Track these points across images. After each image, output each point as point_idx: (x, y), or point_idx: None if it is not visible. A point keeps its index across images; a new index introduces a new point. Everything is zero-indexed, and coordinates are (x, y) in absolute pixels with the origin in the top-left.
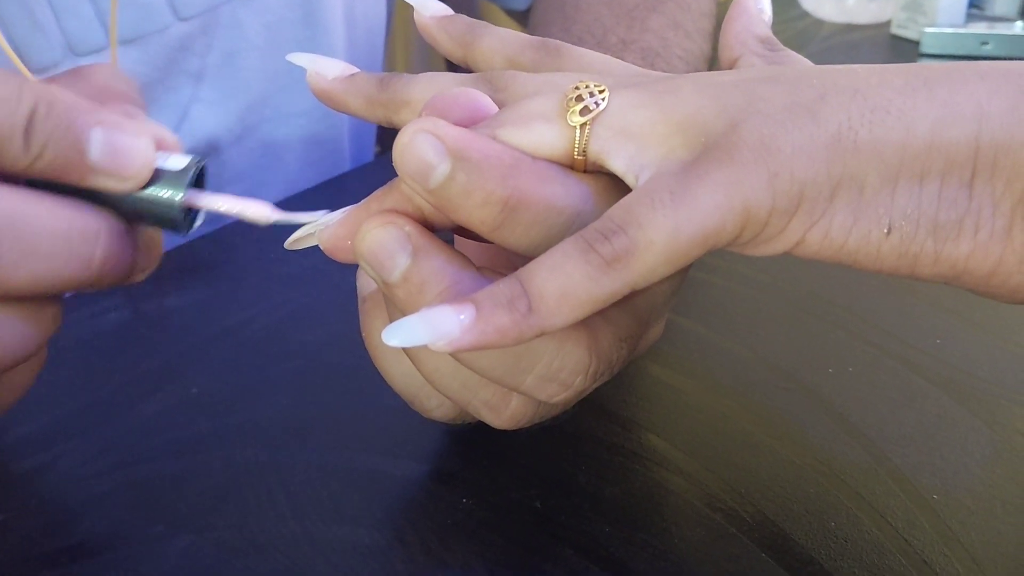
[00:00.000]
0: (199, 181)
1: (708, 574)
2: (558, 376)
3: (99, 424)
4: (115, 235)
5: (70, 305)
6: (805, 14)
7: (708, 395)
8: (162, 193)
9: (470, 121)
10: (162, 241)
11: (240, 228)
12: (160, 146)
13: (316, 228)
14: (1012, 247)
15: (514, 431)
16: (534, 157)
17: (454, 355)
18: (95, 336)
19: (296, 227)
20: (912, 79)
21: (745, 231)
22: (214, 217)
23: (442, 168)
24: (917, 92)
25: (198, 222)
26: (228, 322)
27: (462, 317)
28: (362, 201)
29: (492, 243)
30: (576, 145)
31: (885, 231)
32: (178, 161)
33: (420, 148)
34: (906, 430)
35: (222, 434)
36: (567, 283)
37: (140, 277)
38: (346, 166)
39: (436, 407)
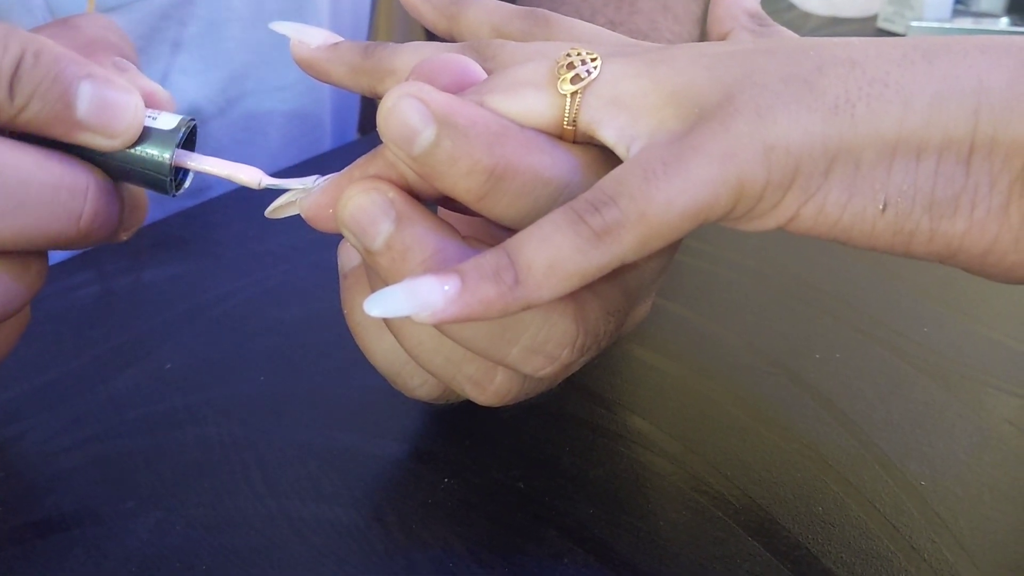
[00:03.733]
0: (190, 141)
1: (693, 557)
2: (544, 348)
3: (69, 398)
4: (103, 192)
5: None
6: (791, 6)
7: (694, 379)
8: (150, 152)
9: (458, 87)
10: (147, 201)
11: (218, 205)
12: (151, 102)
13: (297, 196)
14: (1008, 225)
15: (497, 411)
16: (522, 126)
17: (437, 327)
18: (67, 309)
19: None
20: (910, 52)
21: (739, 205)
22: (193, 191)
23: (427, 134)
24: (916, 65)
25: (186, 184)
26: (204, 298)
27: (447, 288)
28: (345, 169)
29: (477, 216)
30: (566, 114)
31: (880, 207)
32: (168, 120)
33: (405, 113)
34: (893, 417)
35: (196, 410)
36: (556, 255)
37: (124, 237)
38: (327, 144)
39: (419, 385)
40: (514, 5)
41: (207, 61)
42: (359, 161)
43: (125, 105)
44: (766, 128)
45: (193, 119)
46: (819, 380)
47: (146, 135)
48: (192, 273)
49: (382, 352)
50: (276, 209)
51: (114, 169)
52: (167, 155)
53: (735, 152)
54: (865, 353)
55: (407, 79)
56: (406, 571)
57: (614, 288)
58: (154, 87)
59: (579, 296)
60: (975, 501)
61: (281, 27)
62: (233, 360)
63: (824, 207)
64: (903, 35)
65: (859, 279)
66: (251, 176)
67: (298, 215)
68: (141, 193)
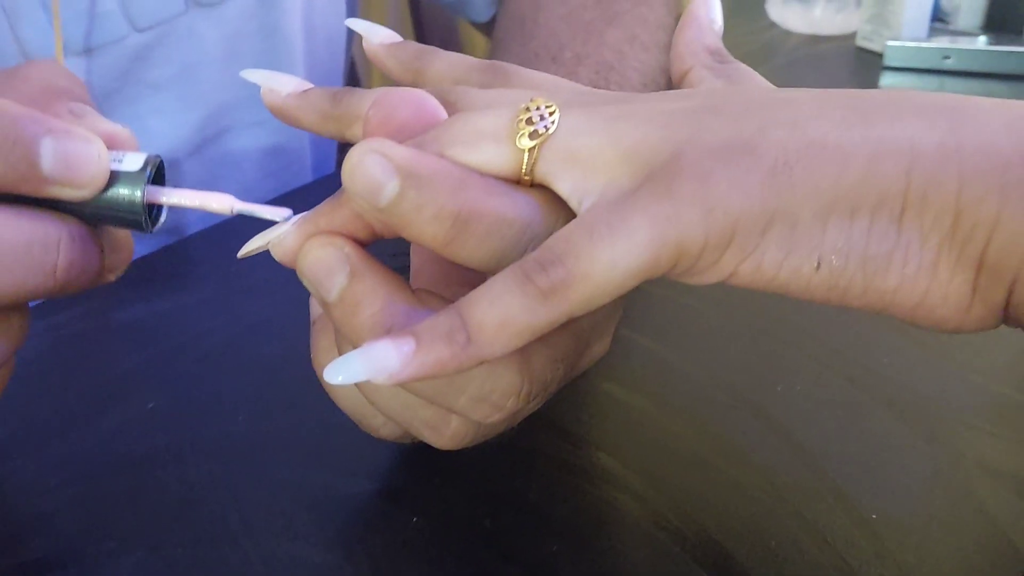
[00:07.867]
0: (159, 176)
1: None
2: (490, 398)
3: (53, 439)
4: (76, 241)
5: None
6: (772, 24)
7: (658, 414)
8: (121, 195)
9: (417, 120)
10: (131, 239)
11: (199, 240)
12: (113, 143)
13: (267, 240)
14: (938, 281)
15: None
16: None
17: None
18: (50, 348)
19: (258, 220)
20: (850, 113)
21: (680, 263)
22: (173, 227)
23: (391, 186)
24: (853, 127)
25: (162, 219)
26: (186, 335)
27: (405, 349)
28: (311, 212)
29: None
30: (524, 167)
31: (815, 265)
32: (134, 161)
33: (369, 168)
34: (849, 448)
35: (177, 450)
36: (505, 314)
37: (111, 278)
38: (308, 176)
39: (383, 425)
40: (475, 58)
41: (183, 101)
42: (324, 208)
43: (88, 155)
44: (707, 191)
45: (159, 156)
46: (780, 412)
47: (114, 179)
48: (173, 310)
49: (346, 396)
50: (248, 252)
51: (89, 215)
52: (137, 195)
53: (676, 214)
54: (824, 384)
55: (367, 114)
56: None
57: (562, 335)
58: (114, 128)
59: (524, 347)
60: (922, 533)
61: (252, 75)
62: (214, 398)
63: (761, 265)
64: (881, 53)
65: (825, 311)
66: (222, 203)
67: None
68: (123, 233)
